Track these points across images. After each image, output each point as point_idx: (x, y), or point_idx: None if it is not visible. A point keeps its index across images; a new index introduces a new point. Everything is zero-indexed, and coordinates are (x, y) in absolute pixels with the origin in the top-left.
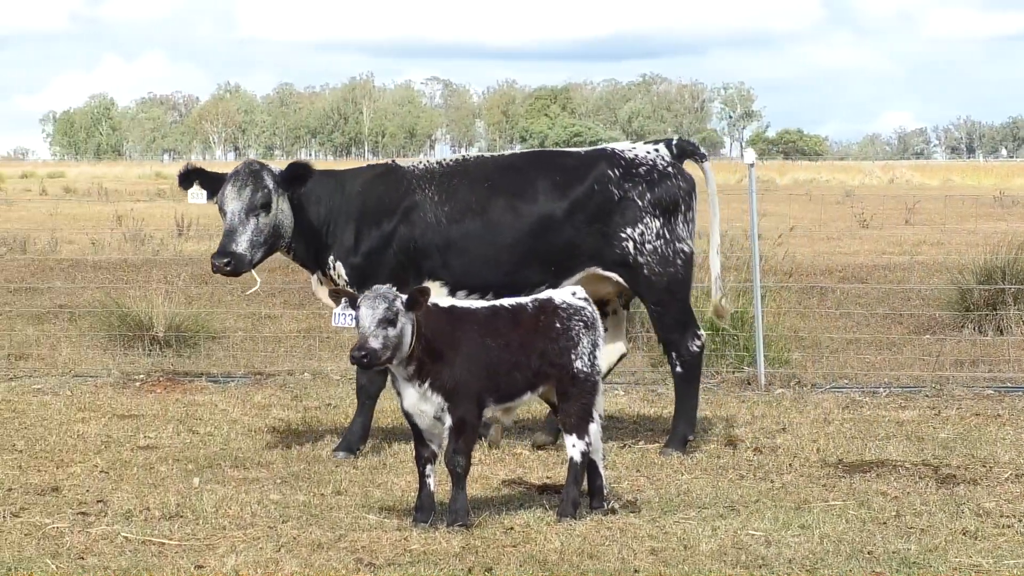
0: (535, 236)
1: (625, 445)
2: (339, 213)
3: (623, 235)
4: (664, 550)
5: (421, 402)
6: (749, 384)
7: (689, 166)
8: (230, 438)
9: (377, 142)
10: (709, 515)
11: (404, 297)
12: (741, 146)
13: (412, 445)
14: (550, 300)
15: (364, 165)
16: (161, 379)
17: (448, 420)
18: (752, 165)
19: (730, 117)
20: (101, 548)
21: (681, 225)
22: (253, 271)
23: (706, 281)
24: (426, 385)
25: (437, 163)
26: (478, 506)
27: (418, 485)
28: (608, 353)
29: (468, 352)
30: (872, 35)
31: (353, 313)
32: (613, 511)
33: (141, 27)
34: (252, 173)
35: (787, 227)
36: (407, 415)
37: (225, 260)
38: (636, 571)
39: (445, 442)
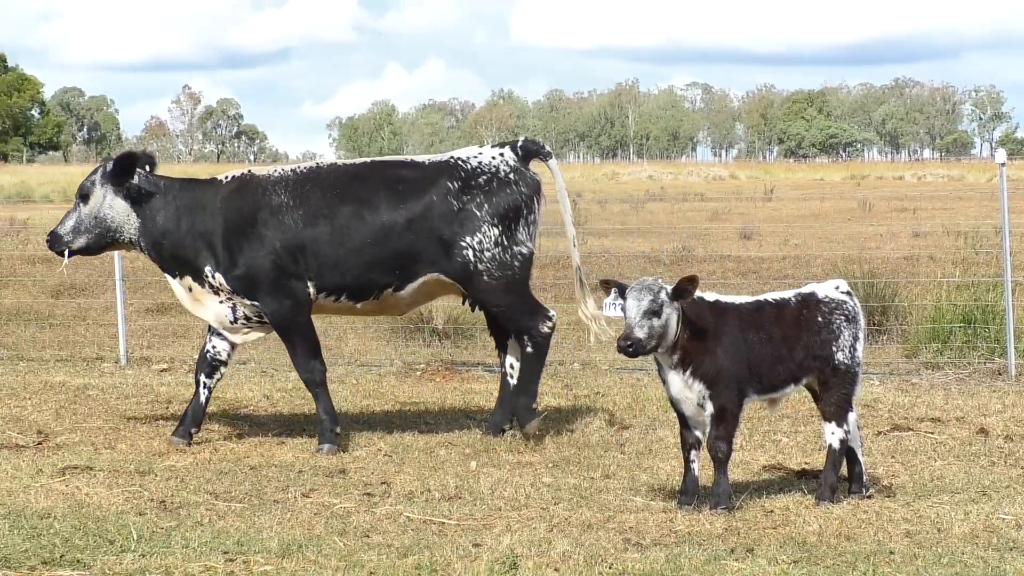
0: (378, 243)
1: (880, 433)
2: (204, 226)
3: (463, 244)
4: (918, 533)
5: (685, 389)
6: (1000, 375)
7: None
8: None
9: (642, 144)
10: (961, 500)
11: (669, 288)
12: (991, 146)
13: (677, 432)
14: (813, 294)
15: (223, 175)
16: (440, 368)
17: (710, 407)
18: (1003, 165)
19: (980, 119)
20: (385, 527)
21: (522, 229)
22: (66, 255)
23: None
24: (688, 373)
25: (291, 170)
26: (740, 490)
27: (683, 470)
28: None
29: (730, 344)
30: None
31: (622, 303)
32: (869, 496)
33: (422, 38)
34: (94, 170)
35: None
36: (672, 402)
37: (48, 236)
38: (891, 552)
39: (708, 429)
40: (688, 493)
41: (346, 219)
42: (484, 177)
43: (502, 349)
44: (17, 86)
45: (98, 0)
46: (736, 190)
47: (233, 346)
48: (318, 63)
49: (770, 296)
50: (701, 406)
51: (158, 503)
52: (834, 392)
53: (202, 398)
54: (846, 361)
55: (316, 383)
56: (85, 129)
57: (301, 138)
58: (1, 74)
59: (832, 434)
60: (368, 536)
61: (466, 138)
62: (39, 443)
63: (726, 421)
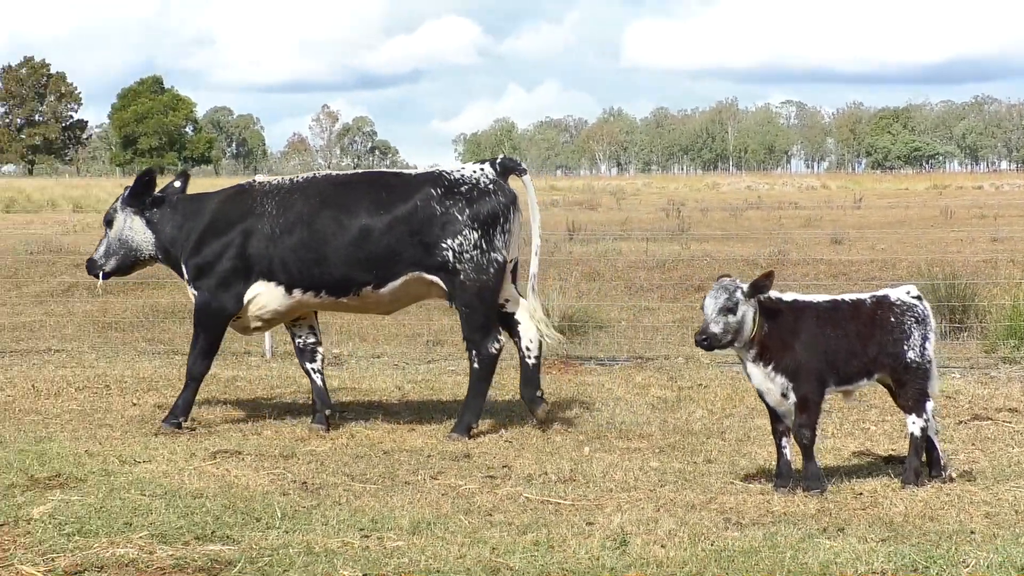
0: (355, 244)
1: (962, 422)
2: (192, 228)
3: (443, 245)
4: (997, 515)
5: (766, 381)
6: None
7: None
8: (615, 413)
9: (740, 157)
10: None
11: (745, 287)
12: None
13: (769, 421)
14: (886, 297)
15: (230, 186)
16: (556, 362)
17: (793, 398)
18: None
19: None
20: (506, 506)
21: (498, 236)
22: (101, 278)
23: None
24: (770, 367)
25: (289, 180)
26: (831, 473)
27: (776, 455)
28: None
29: (807, 339)
30: None
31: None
32: (951, 479)
33: (539, 60)
34: (116, 199)
35: None
36: (759, 394)
37: (86, 263)
38: (972, 532)
39: (793, 417)
40: (783, 476)
41: (325, 223)
42: (466, 186)
43: (514, 335)
44: (172, 106)
45: (246, 27)
46: (827, 199)
47: (312, 328)
48: (445, 83)
49: (846, 296)
50: (785, 396)
51: (300, 484)
52: (908, 387)
53: (318, 382)
54: (916, 359)
55: (194, 378)
56: (234, 145)
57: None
58: (158, 95)
59: (913, 423)
60: (491, 515)
61: (579, 152)
62: (192, 429)
63: (809, 410)
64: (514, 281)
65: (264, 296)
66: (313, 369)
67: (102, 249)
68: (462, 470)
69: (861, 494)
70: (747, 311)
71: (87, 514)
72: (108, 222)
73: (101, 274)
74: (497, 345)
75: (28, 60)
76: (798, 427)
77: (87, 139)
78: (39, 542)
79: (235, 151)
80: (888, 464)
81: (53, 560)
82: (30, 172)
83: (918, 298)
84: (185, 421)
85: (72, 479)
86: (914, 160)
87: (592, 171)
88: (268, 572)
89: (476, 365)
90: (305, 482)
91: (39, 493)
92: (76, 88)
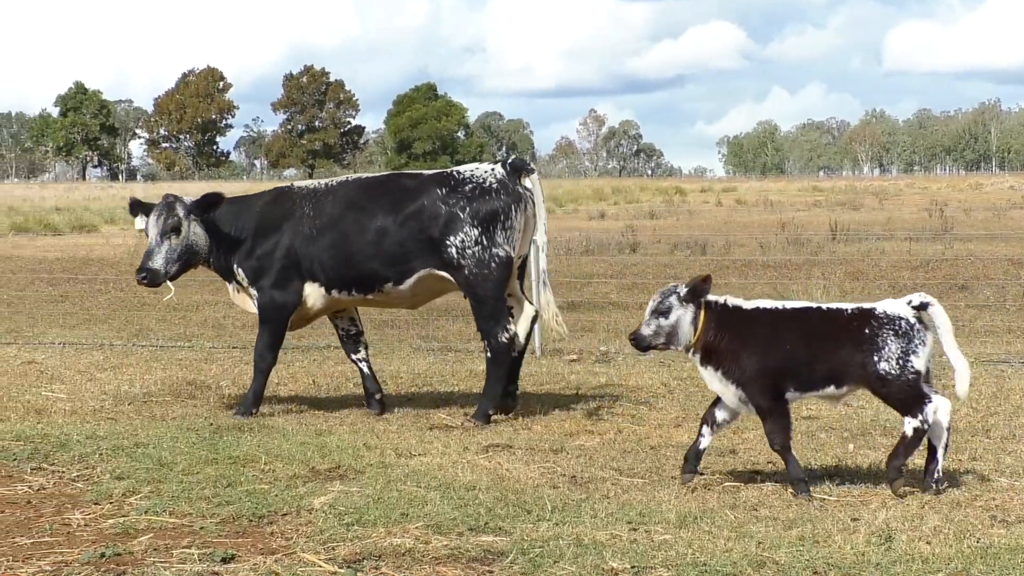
0: (375, 243)
1: None
2: (241, 230)
3: (448, 242)
4: None
5: (719, 385)
6: None
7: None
8: (880, 410)
9: (1003, 158)
10: None
11: (682, 291)
12: None
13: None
14: (871, 309)
15: (268, 189)
16: None
17: (750, 404)
18: None
19: None
20: (772, 501)
21: (500, 233)
22: (169, 282)
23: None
24: (719, 372)
25: (324, 184)
26: None
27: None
28: (523, 319)
29: (757, 346)
30: None
31: None
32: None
33: (803, 63)
34: (167, 205)
35: None
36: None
37: (143, 275)
38: None
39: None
40: (687, 461)
41: (349, 225)
42: (470, 186)
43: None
44: (445, 111)
45: (515, 35)
46: None
47: (352, 319)
48: (710, 87)
49: (823, 306)
50: (743, 402)
51: (569, 478)
52: (888, 397)
53: (365, 370)
54: (891, 370)
55: (262, 370)
56: (504, 149)
57: (693, 155)
58: (432, 101)
59: (908, 423)
60: (756, 509)
61: (841, 153)
62: (464, 424)
63: (770, 417)
64: (520, 278)
65: (312, 296)
66: (358, 359)
67: (161, 257)
68: (728, 465)
69: None
70: (683, 315)
71: (365, 505)
72: (175, 230)
73: (168, 281)
74: (507, 334)
75: (308, 69)
76: (767, 434)
77: (364, 144)
78: (320, 531)
79: (505, 155)
80: None
81: (333, 549)
82: (310, 176)
83: (920, 307)
84: (256, 411)
85: (351, 471)
86: None
87: (854, 172)
88: (539, 563)
89: (489, 354)
90: (574, 476)
91: (320, 484)
92: (354, 95)
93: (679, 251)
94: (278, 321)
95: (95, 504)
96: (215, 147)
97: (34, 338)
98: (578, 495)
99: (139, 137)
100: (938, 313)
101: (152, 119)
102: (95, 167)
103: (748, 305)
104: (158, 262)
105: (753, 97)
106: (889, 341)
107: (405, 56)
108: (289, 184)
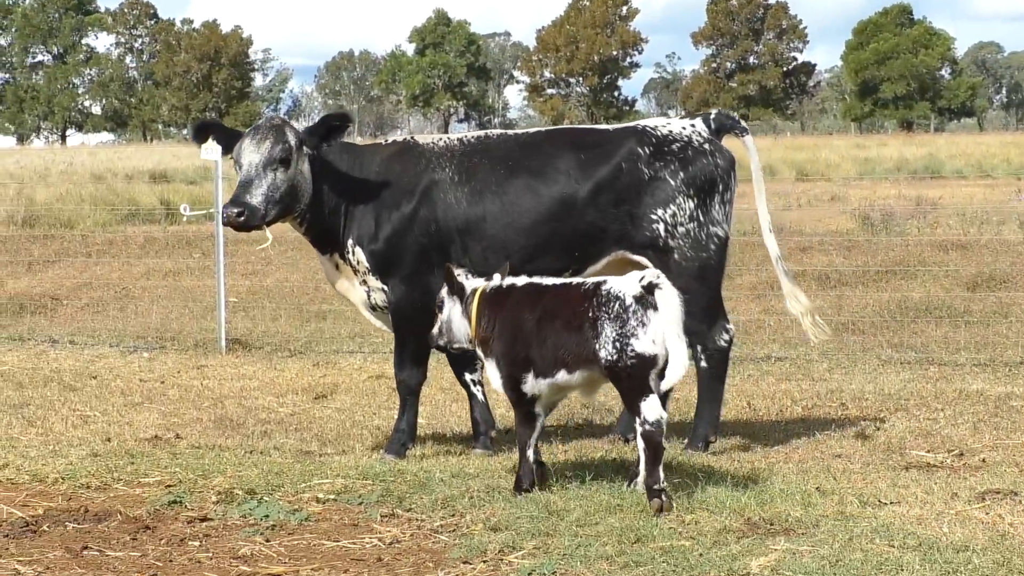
0: (556, 219)
1: None
2: (357, 193)
3: (653, 217)
4: None
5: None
6: None
7: (732, 143)
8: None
9: None
10: None
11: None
12: None
13: None
14: (599, 284)
15: (382, 142)
16: None
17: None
18: None
19: None
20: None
21: (717, 207)
22: (266, 229)
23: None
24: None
25: (458, 140)
26: None
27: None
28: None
29: (500, 326)
30: None
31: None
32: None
33: None
34: (273, 127)
35: None
36: None
37: (238, 212)
38: None
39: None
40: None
41: (517, 195)
42: (677, 144)
43: None
44: (924, 42)
45: None
46: None
47: None
48: None
49: (556, 281)
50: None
51: None
52: (618, 387)
53: (479, 396)
54: (609, 357)
55: (411, 391)
56: (1004, 91)
57: None
58: (905, 28)
59: (638, 424)
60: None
61: None
62: (954, 463)
63: (513, 405)
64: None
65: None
66: (472, 381)
67: (261, 192)
68: None
69: None
70: (452, 308)
71: (820, 568)
72: (284, 161)
73: (265, 226)
74: (727, 336)
75: None
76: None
77: (814, 87)
78: None
79: (1004, 99)
80: None
81: None
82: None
83: (647, 288)
84: (412, 445)
85: (799, 524)
86: None
87: None
88: None
89: (704, 363)
90: None
91: (758, 540)
92: (800, 22)
93: None
94: (420, 324)
95: (464, 563)
96: (617, 93)
97: (384, 345)
98: None
99: (517, 81)
100: (666, 297)
101: (534, 58)
102: (460, 121)
103: (508, 283)
104: (258, 198)
105: None
106: (605, 325)
107: None
108: (408, 137)
